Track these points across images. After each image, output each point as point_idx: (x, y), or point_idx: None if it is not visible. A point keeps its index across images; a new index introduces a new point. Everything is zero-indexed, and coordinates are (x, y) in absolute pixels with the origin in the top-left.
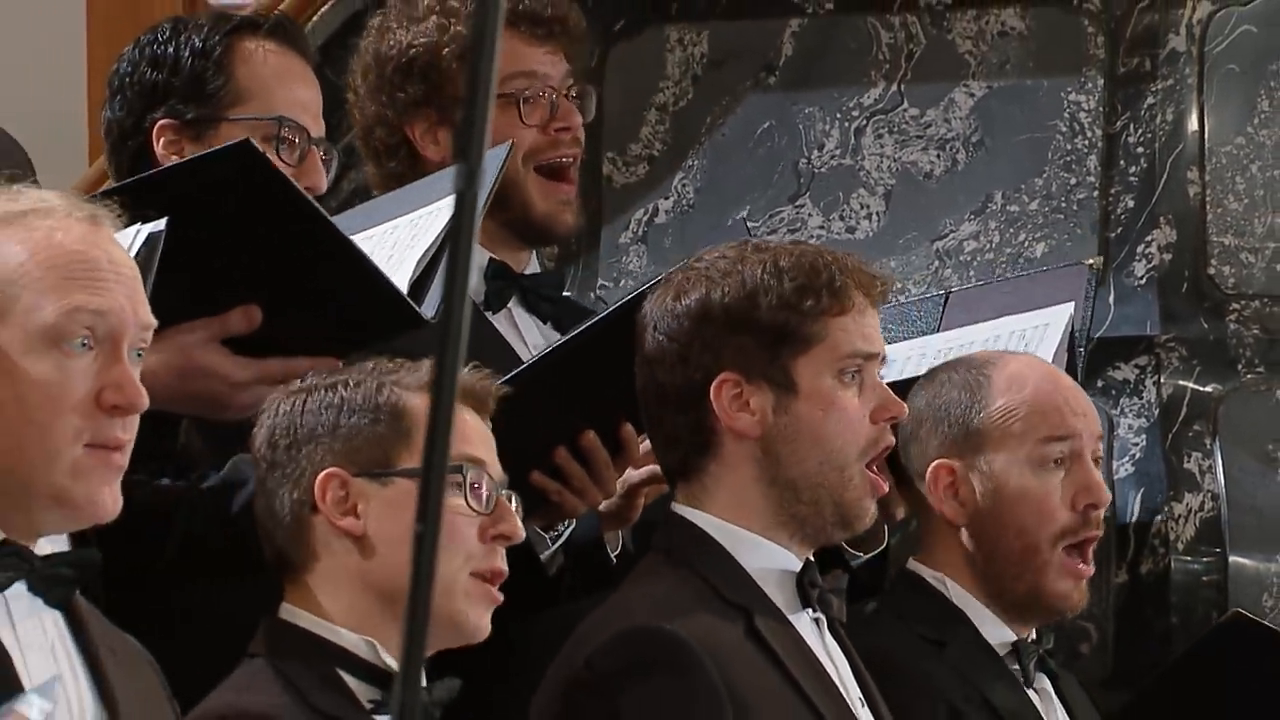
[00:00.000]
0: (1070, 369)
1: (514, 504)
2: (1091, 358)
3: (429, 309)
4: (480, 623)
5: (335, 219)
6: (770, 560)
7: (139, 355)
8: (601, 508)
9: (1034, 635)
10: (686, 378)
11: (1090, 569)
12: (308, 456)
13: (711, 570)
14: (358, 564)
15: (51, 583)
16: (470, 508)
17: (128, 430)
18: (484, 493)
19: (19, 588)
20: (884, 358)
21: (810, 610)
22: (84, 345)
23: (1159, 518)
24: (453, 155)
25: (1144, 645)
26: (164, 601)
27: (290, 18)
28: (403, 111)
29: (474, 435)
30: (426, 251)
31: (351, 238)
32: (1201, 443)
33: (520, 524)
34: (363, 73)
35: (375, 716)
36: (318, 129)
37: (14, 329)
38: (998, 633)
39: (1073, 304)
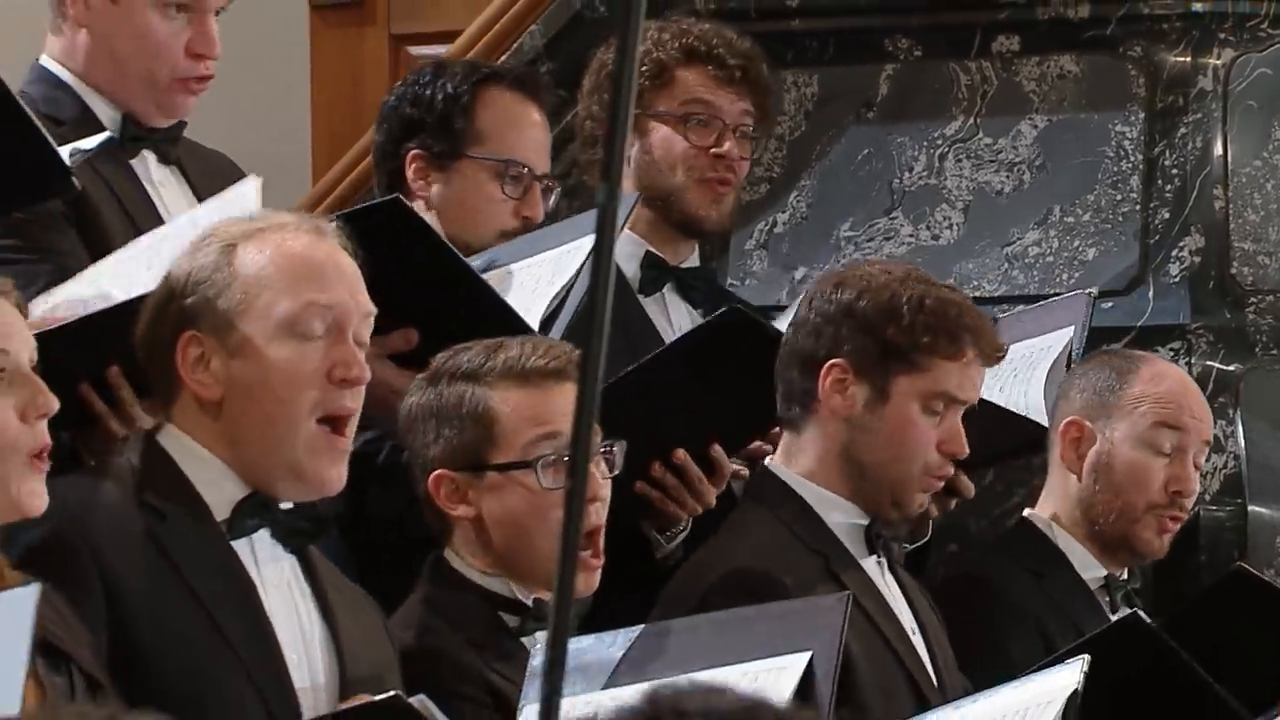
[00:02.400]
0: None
1: (614, 457)
2: (1134, 343)
3: (557, 333)
4: (583, 582)
5: (493, 251)
6: (844, 515)
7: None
8: None
9: (1124, 574)
10: (813, 349)
11: (1173, 532)
12: (422, 454)
13: (795, 521)
14: (477, 534)
15: (291, 533)
16: (552, 484)
17: (355, 400)
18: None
19: (264, 534)
20: (972, 408)
21: (876, 555)
22: (316, 333)
23: None
24: (599, 175)
25: (1178, 579)
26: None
27: (531, 70)
28: (596, 118)
29: (559, 408)
30: (565, 286)
31: (504, 268)
32: (1226, 412)
33: (606, 485)
34: (590, 74)
35: (522, 639)
36: (543, 165)
37: (258, 322)
38: (1091, 570)
39: (1073, 327)
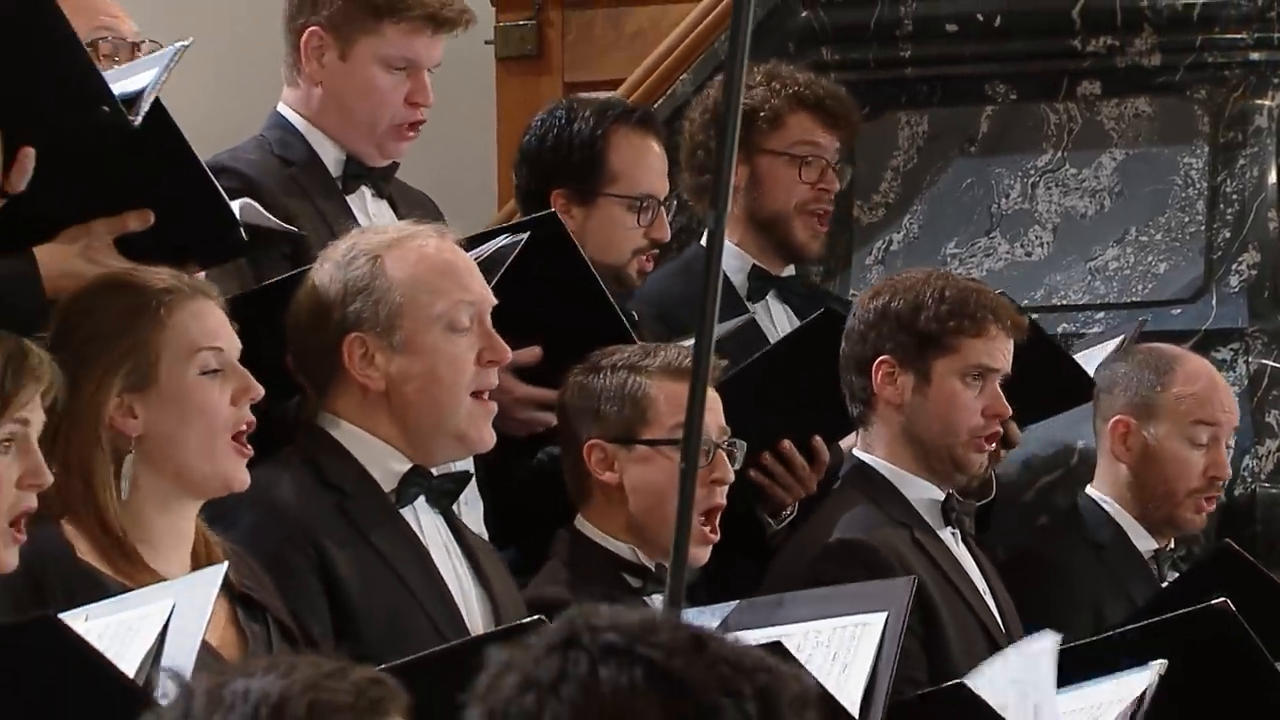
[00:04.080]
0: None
1: (737, 450)
2: (1199, 344)
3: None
4: (698, 554)
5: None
6: (922, 491)
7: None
8: None
9: (1171, 544)
10: (862, 353)
11: (1209, 510)
12: (580, 427)
13: (882, 498)
14: (615, 499)
15: (440, 495)
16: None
17: (496, 376)
18: (704, 450)
19: (422, 500)
20: (1006, 374)
21: (950, 527)
22: (464, 325)
23: (1248, 457)
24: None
25: (1222, 541)
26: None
27: (648, 109)
28: (711, 149)
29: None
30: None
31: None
32: (1279, 403)
33: (730, 469)
34: (699, 111)
35: (643, 597)
36: (664, 190)
37: (416, 320)
38: (1143, 542)
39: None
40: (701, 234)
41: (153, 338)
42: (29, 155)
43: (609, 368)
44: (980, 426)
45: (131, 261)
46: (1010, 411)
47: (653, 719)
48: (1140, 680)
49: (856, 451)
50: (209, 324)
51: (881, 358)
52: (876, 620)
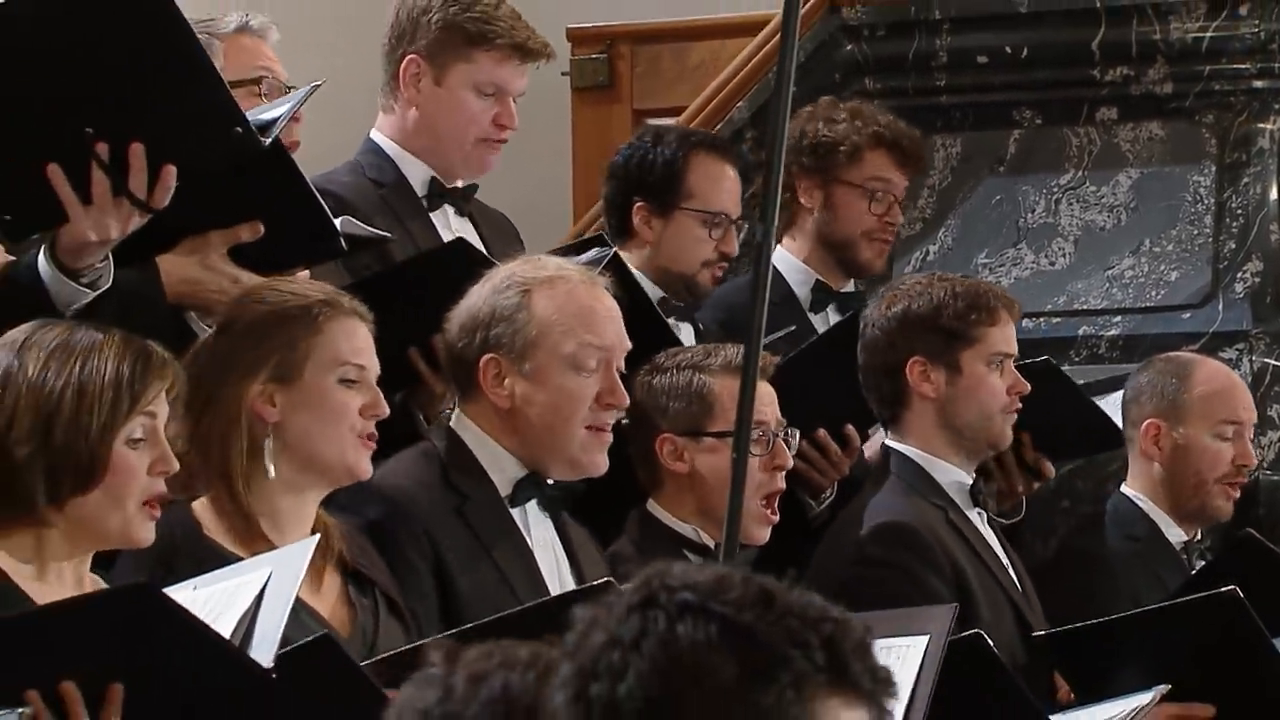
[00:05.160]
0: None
1: (792, 439)
2: (1207, 345)
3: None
4: (760, 534)
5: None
6: (952, 476)
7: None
8: None
9: (1199, 535)
10: (891, 358)
11: (1236, 496)
12: (650, 423)
13: (917, 483)
14: (684, 487)
15: (551, 501)
16: (754, 453)
17: (614, 418)
18: (764, 439)
19: (534, 504)
20: (1015, 357)
21: (978, 509)
22: (590, 368)
23: (1252, 447)
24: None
25: (1243, 529)
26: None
27: (727, 139)
28: (796, 173)
29: (760, 398)
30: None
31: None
32: None
33: (789, 455)
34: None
35: None
36: (736, 210)
37: (548, 355)
38: (1174, 534)
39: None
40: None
41: (305, 339)
42: (171, 173)
43: (673, 368)
44: (1009, 404)
45: (243, 269)
46: (1029, 388)
47: (728, 671)
48: (1143, 698)
49: (889, 442)
50: (357, 342)
51: (913, 359)
52: (919, 643)
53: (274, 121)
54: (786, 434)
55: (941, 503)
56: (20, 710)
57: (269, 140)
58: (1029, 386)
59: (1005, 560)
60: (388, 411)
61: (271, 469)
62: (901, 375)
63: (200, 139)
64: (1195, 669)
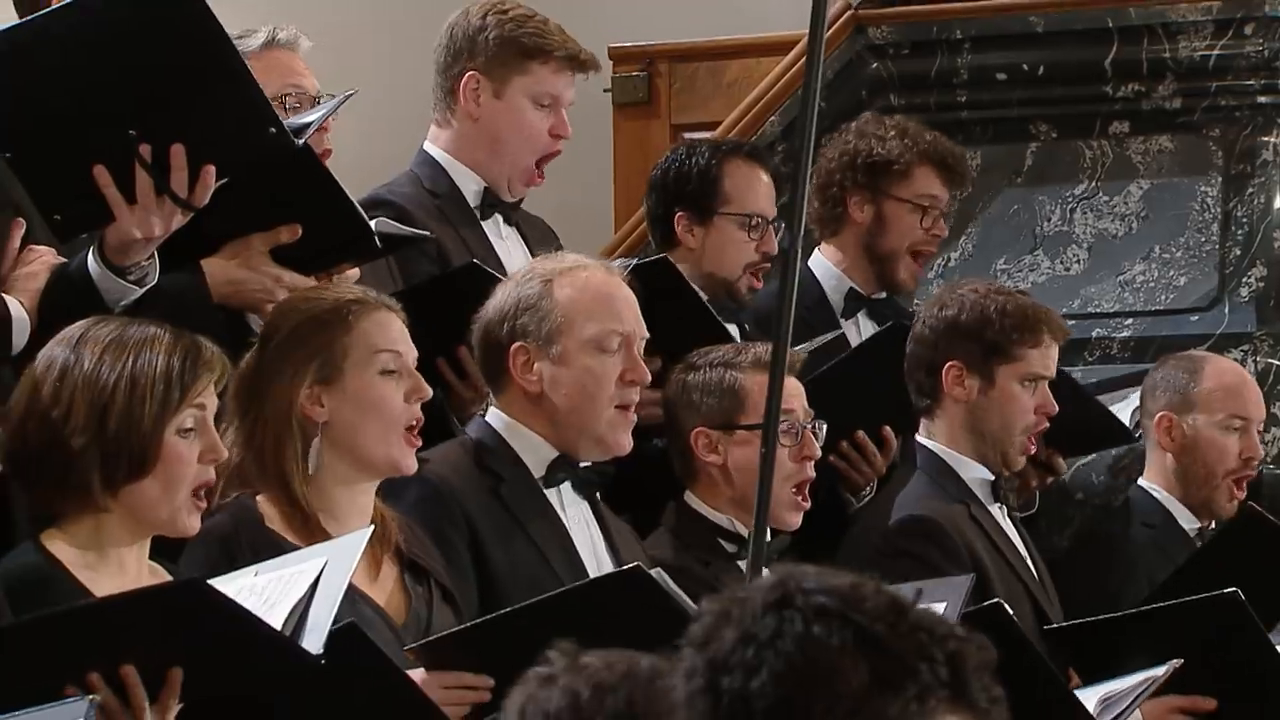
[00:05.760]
0: None
1: (819, 430)
2: (1214, 346)
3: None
4: (792, 520)
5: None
6: (976, 473)
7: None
8: None
9: (1211, 524)
10: (932, 357)
11: (1244, 492)
12: (685, 418)
13: (942, 478)
14: (718, 478)
15: (585, 484)
16: (783, 444)
17: (638, 393)
18: (793, 431)
19: (568, 485)
20: (1051, 379)
21: (999, 504)
22: (613, 349)
23: None
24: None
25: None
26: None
27: (757, 144)
28: (848, 188)
29: (789, 392)
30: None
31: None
32: None
33: (817, 446)
34: (838, 152)
35: (737, 561)
36: (772, 211)
37: (572, 340)
38: (1187, 522)
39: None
40: (810, 256)
41: (341, 340)
42: (210, 172)
43: (706, 365)
44: (1034, 423)
45: (284, 268)
46: (1057, 409)
47: (859, 678)
48: (1156, 671)
49: (919, 438)
50: (390, 332)
51: (951, 363)
52: (937, 610)
53: (306, 126)
54: (814, 425)
55: (964, 497)
56: (91, 697)
57: (302, 141)
58: (1057, 408)
59: (1025, 554)
60: (430, 392)
61: (313, 463)
62: (939, 374)
63: (237, 140)
64: (1199, 664)
